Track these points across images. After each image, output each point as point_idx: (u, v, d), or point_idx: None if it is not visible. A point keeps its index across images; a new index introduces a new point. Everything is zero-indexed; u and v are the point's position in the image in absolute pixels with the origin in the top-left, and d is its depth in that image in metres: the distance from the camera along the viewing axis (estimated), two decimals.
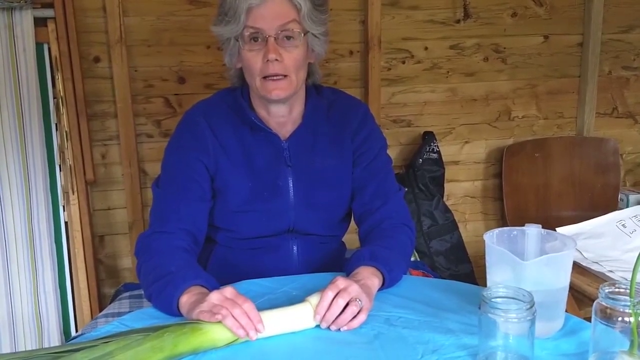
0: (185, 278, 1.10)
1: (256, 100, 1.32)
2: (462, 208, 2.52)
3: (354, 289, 1.04)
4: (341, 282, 1.05)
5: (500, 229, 1.06)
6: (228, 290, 1.01)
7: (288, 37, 1.21)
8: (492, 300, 0.86)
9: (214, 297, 1.00)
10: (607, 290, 0.85)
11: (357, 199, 1.35)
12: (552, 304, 0.97)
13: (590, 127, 2.53)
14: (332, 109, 1.37)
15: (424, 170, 2.34)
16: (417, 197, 2.36)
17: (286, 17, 1.20)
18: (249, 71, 1.24)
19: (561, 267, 0.97)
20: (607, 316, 0.85)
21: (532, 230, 1.06)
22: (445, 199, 2.42)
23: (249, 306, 0.98)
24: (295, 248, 1.34)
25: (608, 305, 0.85)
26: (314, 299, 1.04)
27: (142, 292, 1.94)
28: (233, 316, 0.96)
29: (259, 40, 1.21)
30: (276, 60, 1.20)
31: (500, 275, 0.99)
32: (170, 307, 1.08)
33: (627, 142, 2.61)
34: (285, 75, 1.22)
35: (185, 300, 1.06)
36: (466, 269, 2.39)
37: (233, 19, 1.20)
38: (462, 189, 2.51)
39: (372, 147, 1.36)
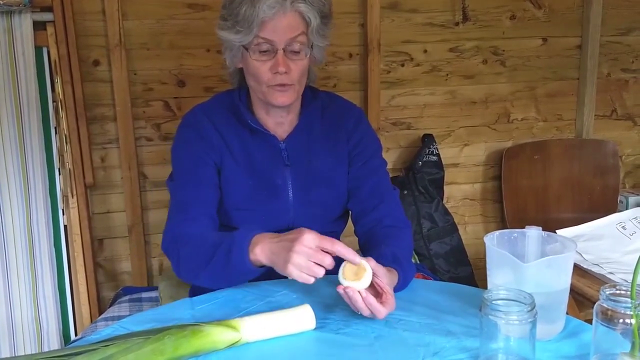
0: (243, 235, 1.11)
1: (256, 101, 1.35)
2: (462, 210, 2.52)
3: (390, 308, 1.06)
4: (391, 300, 1.06)
5: (500, 231, 1.06)
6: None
7: (296, 50, 1.24)
8: (493, 302, 0.86)
9: (308, 241, 1.01)
10: (608, 292, 0.86)
11: (353, 198, 1.38)
12: (553, 306, 0.97)
13: (590, 129, 2.53)
14: (327, 110, 1.40)
15: (423, 173, 2.34)
16: (416, 199, 2.36)
17: (296, 31, 1.23)
18: (256, 79, 1.27)
19: (562, 269, 0.97)
20: (608, 318, 0.85)
21: (533, 233, 1.06)
22: (444, 201, 2.42)
23: (340, 248, 1.02)
24: None
25: (609, 307, 0.85)
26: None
27: (142, 295, 1.96)
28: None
29: (268, 51, 1.23)
30: (285, 72, 1.23)
31: (500, 278, 0.99)
32: (244, 269, 1.09)
33: (626, 144, 2.61)
34: (291, 84, 1.26)
35: (260, 250, 1.07)
36: (466, 271, 2.39)
37: (245, 29, 1.21)
38: (461, 192, 2.51)
39: (367, 148, 1.39)
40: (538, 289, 0.92)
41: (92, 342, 0.96)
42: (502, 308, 0.85)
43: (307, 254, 1.00)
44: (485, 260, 1.02)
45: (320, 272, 1.01)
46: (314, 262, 1.00)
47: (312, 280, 1.01)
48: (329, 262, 1.00)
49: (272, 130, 1.34)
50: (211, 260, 1.14)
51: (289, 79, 1.25)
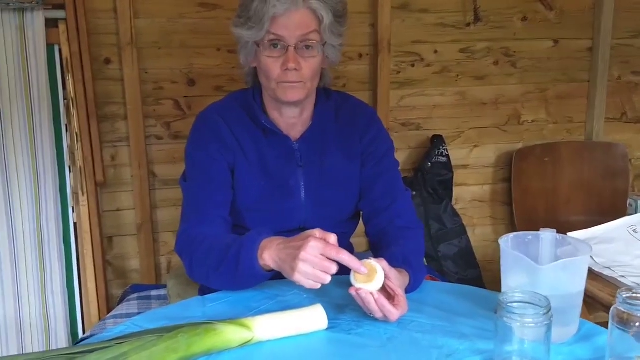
0: (252, 239, 1.10)
1: (269, 101, 1.34)
2: (471, 212, 2.51)
3: (402, 311, 1.05)
4: (404, 303, 1.06)
5: (515, 233, 1.05)
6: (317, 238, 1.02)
7: (307, 47, 1.24)
8: (509, 305, 0.85)
9: (313, 249, 1.00)
10: (624, 296, 0.85)
11: (365, 198, 1.37)
12: (567, 309, 0.96)
13: (600, 132, 2.52)
14: (341, 111, 1.40)
15: (432, 174, 2.33)
16: (425, 200, 2.35)
17: (308, 28, 1.22)
18: (266, 75, 1.27)
19: (577, 272, 0.97)
20: (624, 321, 0.85)
21: (547, 235, 1.05)
22: (453, 203, 2.42)
23: (345, 257, 1.01)
24: None
25: (625, 311, 0.85)
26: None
27: (150, 293, 1.97)
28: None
29: (279, 47, 1.23)
30: (295, 69, 1.22)
31: (515, 280, 0.98)
32: (253, 274, 1.09)
33: (636, 147, 2.60)
34: (300, 82, 1.25)
35: (268, 256, 1.07)
36: (474, 273, 2.38)
37: (257, 25, 1.22)
38: (470, 193, 2.50)
39: (379, 147, 1.39)
40: (553, 292, 0.91)
41: (105, 339, 0.96)
42: (517, 311, 0.84)
43: (312, 263, 1.00)
44: (494, 263, 1.02)
45: (327, 279, 1.01)
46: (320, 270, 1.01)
47: (318, 286, 1.02)
48: (334, 270, 1.00)
49: (285, 131, 1.33)
50: (221, 264, 1.14)
51: (299, 76, 1.24)
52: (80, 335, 2.07)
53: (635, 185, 2.62)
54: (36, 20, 1.94)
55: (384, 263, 1.06)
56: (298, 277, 1.01)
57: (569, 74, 2.48)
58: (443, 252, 2.36)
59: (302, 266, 1.00)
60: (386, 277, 1.04)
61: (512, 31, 2.38)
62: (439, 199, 2.36)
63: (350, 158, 1.37)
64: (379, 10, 2.21)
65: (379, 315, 1.04)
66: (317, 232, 1.04)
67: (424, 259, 2.29)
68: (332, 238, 1.03)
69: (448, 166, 2.36)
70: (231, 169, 1.31)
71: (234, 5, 1.32)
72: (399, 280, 1.08)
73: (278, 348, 0.98)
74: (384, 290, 1.05)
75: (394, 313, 1.03)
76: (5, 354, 2.00)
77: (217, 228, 1.24)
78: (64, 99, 2.02)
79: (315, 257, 1.00)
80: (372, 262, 1.04)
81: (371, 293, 1.02)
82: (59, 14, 1.97)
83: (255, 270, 1.09)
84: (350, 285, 1.04)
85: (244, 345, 0.97)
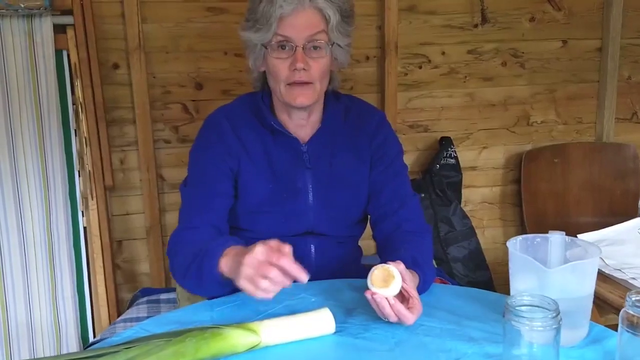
0: (217, 246, 1.11)
1: (278, 104, 1.34)
2: (480, 214, 2.50)
3: (418, 314, 1.05)
4: (418, 305, 1.05)
5: (523, 236, 1.05)
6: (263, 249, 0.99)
7: (315, 47, 1.24)
8: (517, 308, 0.85)
9: (257, 254, 0.97)
10: (634, 299, 0.84)
11: (373, 202, 1.37)
12: (577, 312, 0.96)
13: (610, 133, 2.50)
14: (350, 113, 1.40)
15: (441, 176, 2.32)
16: (434, 203, 2.35)
17: (315, 28, 1.23)
18: (275, 77, 1.27)
19: (586, 274, 0.96)
20: (634, 325, 0.84)
21: (556, 238, 1.04)
22: (462, 205, 2.41)
23: (285, 262, 0.97)
24: (312, 248, 1.35)
25: (635, 314, 0.84)
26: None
27: (160, 297, 1.97)
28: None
29: (287, 48, 1.23)
30: (303, 69, 1.22)
31: (523, 283, 0.98)
32: (214, 280, 1.09)
33: None
34: (309, 83, 1.25)
35: (224, 263, 1.07)
36: (484, 276, 2.37)
37: (264, 26, 1.22)
38: (480, 195, 2.49)
39: (389, 151, 1.38)
40: (562, 294, 0.91)
41: (114, 344, 0.96)
42: (526, 314, 0.84)
43: (254, 267, 0.97)
44: (504, 265, 1.01)
45: (262, 284, 0.96)
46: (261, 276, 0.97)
47: (267, 295, 0.98)
48: (274, 275, 0.96)
49: (294, 133, 1.34)
50: (189, 269, 1.16)
51: (308, 76, 1.24)
52: (91, 339, 2.08)
53: None
54: (44, 26, 1.95)
55: (402, 266, 1.05)
56: (243, 283, 0.99)
57: (578, 74, 2.46)
58: (452, 255, 2.35)
59: (244, 270, 0.98)
60: (402, 279, 1.03)
61: (520, 32, 2.36)
62: (448, 201, 2.35)
63: (359, 160, 1.37)
64: (386, 13, 2.20)
65: (393, 319, 1.03)
66: (273, 242, 1.01)
67: (434, 262, 2.28)
68: (286, 248, 1.00)
69: (457, 168, 2.35)
70: (235, 174, 1.31)
71: (241, 9, 1.32)
72: (413, 283, 1.07)
73: (285, 353, 0.98)
74: (399, 292, 1.04)
75: (409, 317, 1.03)
76: (17, 359, 2.01)
77: (201, 234, 1.23)
78: (73, 103, 2.03)
79: (258, 261, 0.97)
80: (390, 266, 1.03)
81: (386, 298, 1.01)
82: (67, 19, 1.98)
83: (216, 277, 1.09)
84: (367, 288, 1.03)
85: (251, 349, 0.97)
